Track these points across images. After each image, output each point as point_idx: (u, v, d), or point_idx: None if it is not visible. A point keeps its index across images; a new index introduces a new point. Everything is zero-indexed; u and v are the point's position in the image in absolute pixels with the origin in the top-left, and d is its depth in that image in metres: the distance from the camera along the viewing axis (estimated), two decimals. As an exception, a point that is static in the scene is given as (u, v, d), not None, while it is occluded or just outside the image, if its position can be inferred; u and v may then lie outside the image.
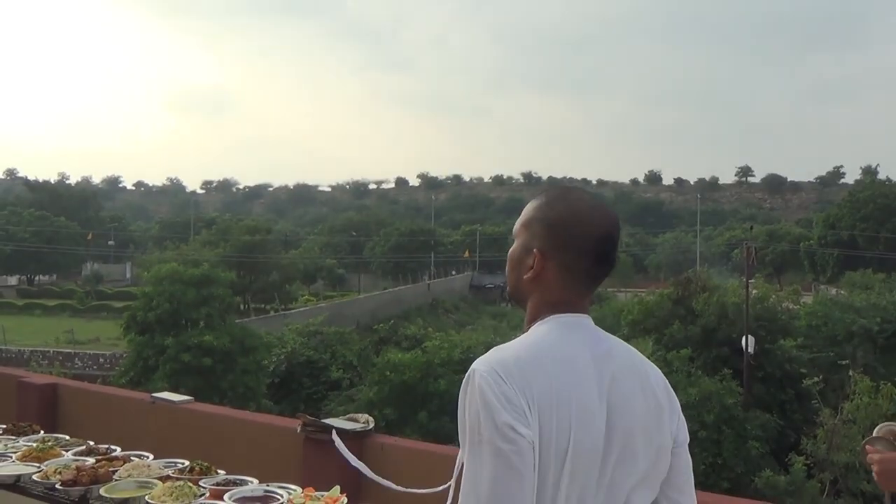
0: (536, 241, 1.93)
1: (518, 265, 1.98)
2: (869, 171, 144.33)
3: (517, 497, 1.69)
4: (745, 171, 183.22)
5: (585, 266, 1.92)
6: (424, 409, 23.70)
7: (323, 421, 4.56)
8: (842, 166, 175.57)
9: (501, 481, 1.69)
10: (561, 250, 1.90)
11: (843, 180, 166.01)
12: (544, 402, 1.74)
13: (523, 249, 1.97)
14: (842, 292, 42.60)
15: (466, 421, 1.77)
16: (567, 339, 1.86)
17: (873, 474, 2.60)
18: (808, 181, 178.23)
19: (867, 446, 2.65)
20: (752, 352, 26.45)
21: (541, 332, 1.88)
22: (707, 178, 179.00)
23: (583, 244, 1.90)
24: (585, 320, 1.92)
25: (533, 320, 1.93)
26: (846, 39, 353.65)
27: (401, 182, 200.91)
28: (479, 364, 1.79)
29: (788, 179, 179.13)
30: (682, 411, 1.99)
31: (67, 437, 4.41)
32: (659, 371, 1.98)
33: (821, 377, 25.11)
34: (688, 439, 1.99)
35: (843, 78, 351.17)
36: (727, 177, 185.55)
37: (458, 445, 1.89)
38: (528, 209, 2.01)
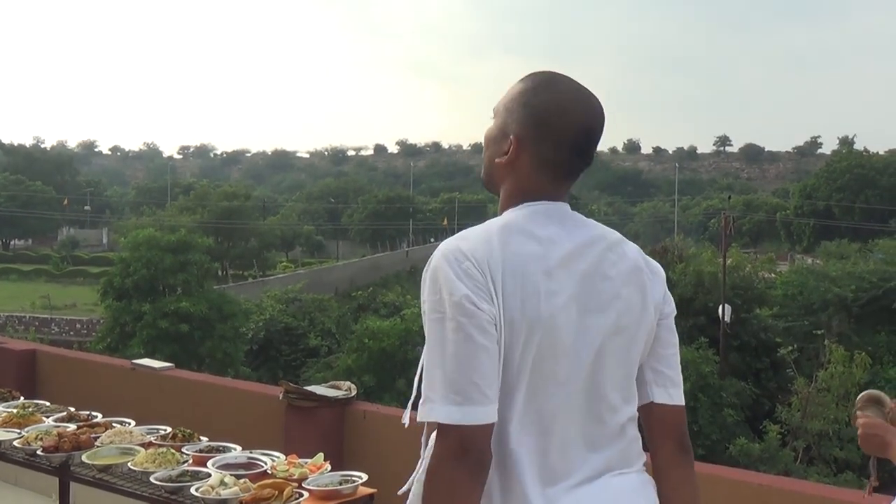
0: (514, 125, 1.85)
1: (492, 147, 1.91)
2: (846, 142, 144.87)
3: (481, 370, 1.65)
4: (723, 141, 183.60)
5: (561, 157, 1.84)
6: (403, 376, 23.76)
7: (305, 388, 4.57)
8: (819, 136, 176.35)
9: (463, 356, 1.65)
10: (538, 140, 1.83)
11: (820, 150, 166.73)
12: (508, 276, 1.69)
13: (500, 132, 1.89)
14: (818, 262, 42.93)
15: (427, 300, 1.75)
16: (540, 221, 1.80)
17: (858, 437, 2.64)
18: (786, 151, 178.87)
19: (858, 411, 2.68)
20: (728, 321, 26.66)
21: (512, 215, 1.82)
22: (685, 148, 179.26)
23: (561, 136, 1.83)
24: (563, 207, 1.86)
25: (505, 208, 1.86)
26: (822, 8, 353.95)
27: (379, 149, 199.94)
28: (442, 244, 1.77)
29: (766, 149, 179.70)
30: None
31: (48, 404, 4.39)
32: (639, 251, 1.91)
33: (796, 346, 25.40)
34: (674, 312, 1.94)
35: (820, 47, 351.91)
36: (705, 146, 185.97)
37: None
38: (511, 90, 1.91)
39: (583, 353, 1.75)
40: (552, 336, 1.71)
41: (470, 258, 1.70)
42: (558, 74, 1.91)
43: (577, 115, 1.84)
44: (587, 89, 1.90)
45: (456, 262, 1.70)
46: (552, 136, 1.82)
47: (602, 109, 1.89)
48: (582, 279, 1.76)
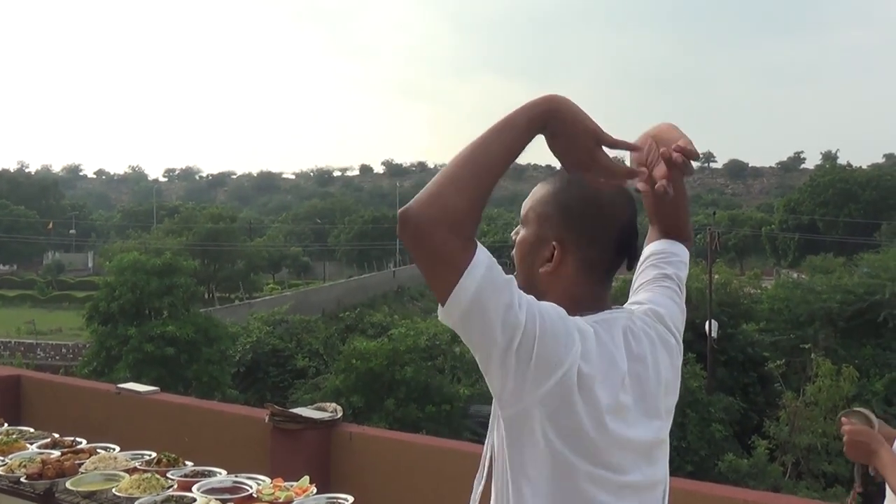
0: (554, 231, 1.78)
1: (530, 256, 1.82)
2: (829, 157, 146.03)
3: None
4: (708, 157, 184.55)
5: (607, 257, 1.79)
6: (391, 396, 23.68)
7: (291, 410, 4.56)
8: (802, 152, 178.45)
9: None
10: (581, 243, 1.77)
11: (803, 165, 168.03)
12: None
13: (537, 239, 1.81)
14: (803, 276, 43.09)
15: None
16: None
17: (844, 444, 2.66)
18: (770, 166, 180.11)
19: (843, 418, 2.70)
20: (715, 336, 26.74)
21: None
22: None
23: (605, 235, 1.77)
24: (618, 314, 1.78)
25: None
26: (803, 24, 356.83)
27: (365, 169, 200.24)
28: None
29: (750, 165, 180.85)
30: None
31: (32, 430, 4.36)
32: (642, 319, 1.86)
33: (783, 360, 25.47)
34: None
35: (802, 63, 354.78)
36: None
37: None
38: (541, 193, 1.85)
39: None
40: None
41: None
42: None
43: (617, 210, 1.79)
44: (620, 185, 1.82)
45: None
46: (595, 236, 1.77)
47: (634, 201, 1.84)
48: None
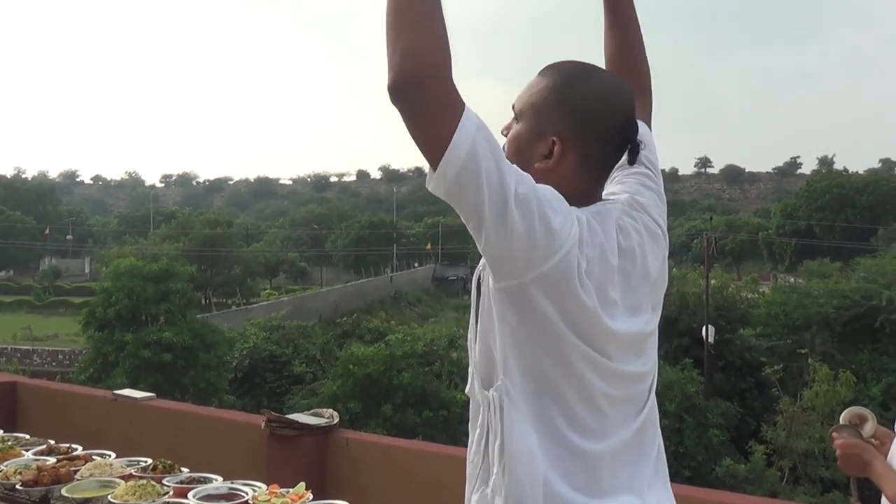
0: (553, 125, 1.72)
1: (525, 151, 1.75)
2: (825, 162, 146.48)
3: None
4: (704, 162, 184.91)
5: (608, 154, 1.75)
6: (389, 401, 23.66)
7: (287, 416, 4.55)
8: (799, 157, 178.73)
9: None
10: (583, 139, 1.71)
11: (800, 171, 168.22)
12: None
13: (533, 134, 1.74)
14: (800, 281, 43.12)
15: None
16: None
17: (837, 459, 2.66)
18: (766, 172, 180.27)
19: (833, 433, 2.70)
20: (712, 341, 26.73)
21: None
22: (666, 170, 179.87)
23: (608, 131, 1.72)
24: (611, 206, 1.76)
25: None
26: (800, 29, 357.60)
27: (362, 174, 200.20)
28: None
29: (746, 170, 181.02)
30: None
31: (27, 437, 4.35)
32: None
33: (780, 365, 25.46)
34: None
35: (798, 68, 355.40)
36: (686, 168, 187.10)
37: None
38: (536, 86, 1.77)
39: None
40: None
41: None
42: (588, 65, 1.79)
43: (619, 107, 1.74)
44: (616, 77, 1.82)
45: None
46: (597, 133, 1.72)
47: (633, 94, 1.81)
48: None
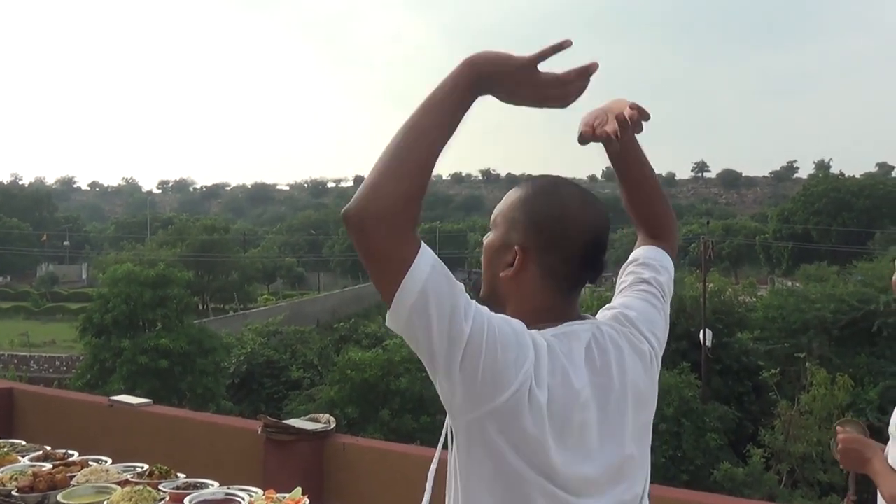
0: (517, 236, 1.74)
1: (495, 260, 1.78)
2: (822, 166, 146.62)
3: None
4: (701, 167, 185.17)
5: (570, 270, 1.74)
6: (386, 407, 23.66)
7: (284, 422, 4.55)
8: (795, 161, 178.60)
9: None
10: (544, 251, 1.72)
11: (796, 175, 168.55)
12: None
13: (501, 243, 1.77)
14: (797, 285, 43.15)
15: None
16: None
17: (838, 453, 2.65)
18: (763, 176, 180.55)
19: (837, 427, 2.70)
20: (709, 345, 26.76)
21: None
22: (664, 174, 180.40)
23: (569, 247, 1.72)
24: (581, 327, 1.74)
25: None
26: (794, 34, 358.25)
27: (359, 180, 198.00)
28: None
29: (743, 174, 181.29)
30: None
31: (24, 443, 4.34)
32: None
33: (777, 369, 25.47)
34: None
35: (795, 73, 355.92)
36: (683, 172, 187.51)
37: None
38: (510, 199, 1.80)
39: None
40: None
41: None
42: (561, 179, 1.82)
43: (585, 225, 1.74)
44: (591, 195, 1.82)
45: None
46: (559, 247, 1.72)
47: (606, 215, 1.80)
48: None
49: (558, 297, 1.76)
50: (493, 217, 1.84)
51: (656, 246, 2.06)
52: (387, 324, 1.61)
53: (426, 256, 1.54)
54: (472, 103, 1.63)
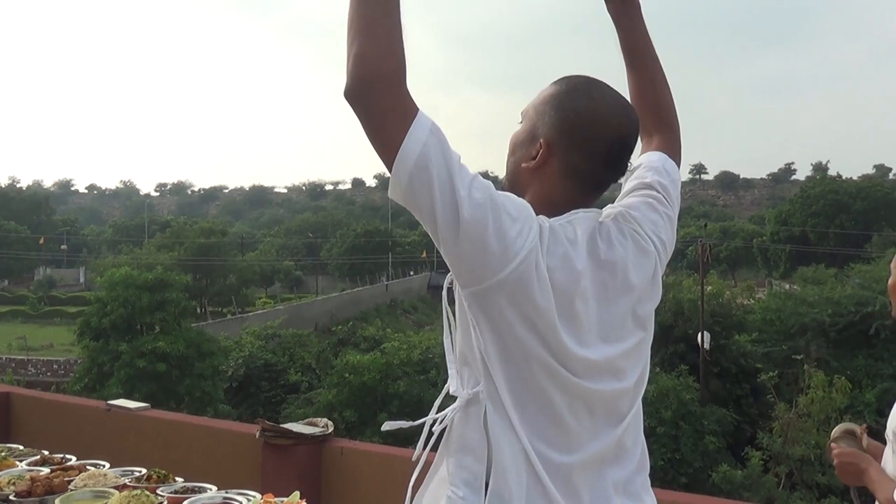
0: (545, 129, 1.76)
1: (519, 150, 1.81)
2: (819, 168, 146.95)
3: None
4: (699, 169, 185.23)
5: (593, 168, 1.75)
6: (384, 410, 23.64)
7: (282, 425, 4.54)
8: (793, 163, 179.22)
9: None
10: (570, 148, 1.73)
11: (794, 177, 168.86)
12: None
13: (528, 136, 1.79)
14: (795, 287, 43.18)
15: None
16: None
17: (835, 469, 2.67)
18: (760, 178, 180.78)
19: (832, 444, 2.71)
20: (707, 348, 26.75)
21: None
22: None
23: (594, 146, 1.73)
24: (585, 214, 1.75)
25: None
26: (792, 38, 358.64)
27: (357, 183, 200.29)
28: None
29: (741, 177, 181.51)
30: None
31: (21, 447, 4.33)
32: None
33: (775, 372, 25.48)
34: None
35: (792, 75, 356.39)
36: (681, 174, 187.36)
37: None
38: (543, 92, 1.81)
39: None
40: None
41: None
42: (595, 80, 1.82)
43: (613, 124, 1.74)
44: (624, 98, 1.83)
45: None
46: (585, 145, 1.73)
47: (638, 120, 1.82)
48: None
49: (578, 195, 1.77)
50: (524, 109, 1.85)
51: (660, 151, 2.05)
52: (388, 194, 1.63)
53: (423, 118, 1.57)
54: None
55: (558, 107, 1.76)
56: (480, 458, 1.67)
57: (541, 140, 1.75)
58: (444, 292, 1.77)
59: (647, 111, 2.05)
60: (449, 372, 1.81)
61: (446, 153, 1.57)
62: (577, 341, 1.65)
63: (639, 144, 1.97)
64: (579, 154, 1.74)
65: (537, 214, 1.67)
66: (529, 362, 1.63)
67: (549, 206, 1.72)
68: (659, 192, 1.95)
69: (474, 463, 1.68)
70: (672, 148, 2.09)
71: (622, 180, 1.96)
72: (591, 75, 1.83)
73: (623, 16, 2.08)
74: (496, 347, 1.64)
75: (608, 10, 2.09)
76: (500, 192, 1.63)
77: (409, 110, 1.57)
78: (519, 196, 1.71)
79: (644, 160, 2.03)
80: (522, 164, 1.78)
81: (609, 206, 1.92)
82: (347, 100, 1.57)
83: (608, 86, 1.81)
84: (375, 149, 1.60)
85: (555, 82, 1.82)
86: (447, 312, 1.79)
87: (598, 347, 1.69)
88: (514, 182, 1.82)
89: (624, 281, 1.73)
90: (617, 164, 1.77)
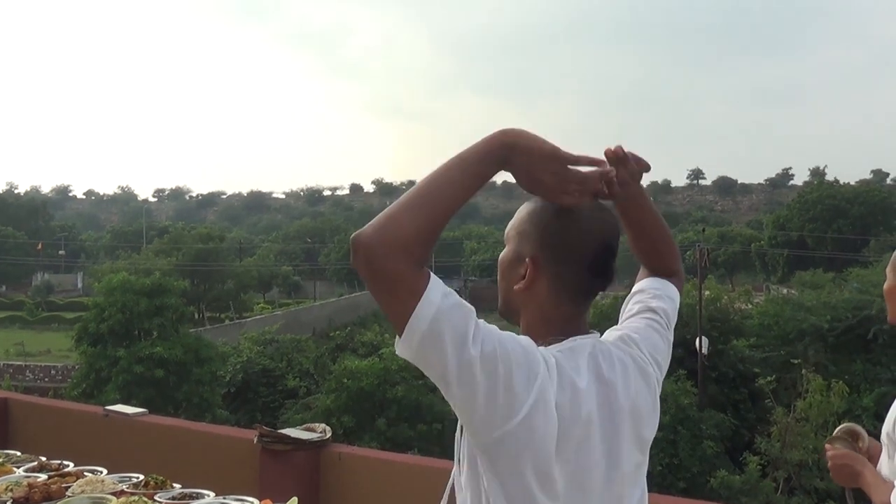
0: (529, 248, 1.78)
1: (508, 274, 1.83)
2: (817, 173, 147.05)
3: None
4: (697, 174, 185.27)
5: (580, 278, 1.77)
6: (382, 415, 23.63)
7: (280, 431, 4.53)
8: (790, 168, 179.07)
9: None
10: (554, 261, 1.75)
11: (791, 182, 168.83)
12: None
13: (515, 256, 1.81)
14: (792, 292, 43.18)
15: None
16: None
17: (829, 470, 2.68)
18: (758, 183, 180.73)
19: (827, 445, 2.72)
20: (705, 352, 26.74)
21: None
22: (659, 182, 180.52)
23: (578, 255, 1.75)
24: (585, 340, 1.77)
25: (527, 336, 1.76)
26: (786, 43, 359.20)
27: (355, 188, 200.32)
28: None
29: (739, 182, 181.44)
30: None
31: (19, 454, 4.33)
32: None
33: (773, 376, 25.45)
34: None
35: (788, 81, 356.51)
36: (679, 180, 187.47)
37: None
38: (521, 212, 1.84)
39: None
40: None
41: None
42: None
43: (594, 231, 1.77)
44: (600, 203, 1.84)
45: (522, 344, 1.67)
46: (570, 257, 1.76)
47: (616, 224, 1.85)
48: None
49: (570, 306, 1.79)
50: (506, 232, 1.88)
51: (663, 278, 2.10)
52: (397, 352, 1.63)
53: (437, 285, 1.58)
54: (496, 171, 1.66)
55: (538, 224, 1.79)
56: None
57: (526, 259, 1.78)
58: (458, 435, 1.78)
59: (651, 261, 2.12)
60: None
61: (460, 317, 1.58)
62: (581, 474, 1.69)
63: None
64: (565, 266, 1.77)
65: (536, 333, 1.74)
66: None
67: (546, 324, 1.76)
68: (661, 316, 2.00)
69: None
70: (677, 285, 2.14)
71: (611, 290, 2.00)
72: None
73: (633, 210, 2.02)
74: (507, 495, 1.66)
75: (614, 204, 2.03)
76: (504, 334, 1.64)
77: (424, 278, 1.57)
78: (514, 318, 1.83)
79: (647, 286, 2.07)
80: (515, 287, 1.80)
81: (611, 328, 1.96)
82: (359, 247, 1.56)
83: None
84: (382, 306, 1.60)
85: (530, 200, 1.84)
86: (458, 455, 1.79)
87: (601, 473, 1.72)
88: (509, 305, 1.84)
89: (626, 401, 1.77)
90: (604, 270, 1.79)
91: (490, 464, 1.65)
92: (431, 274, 1.58)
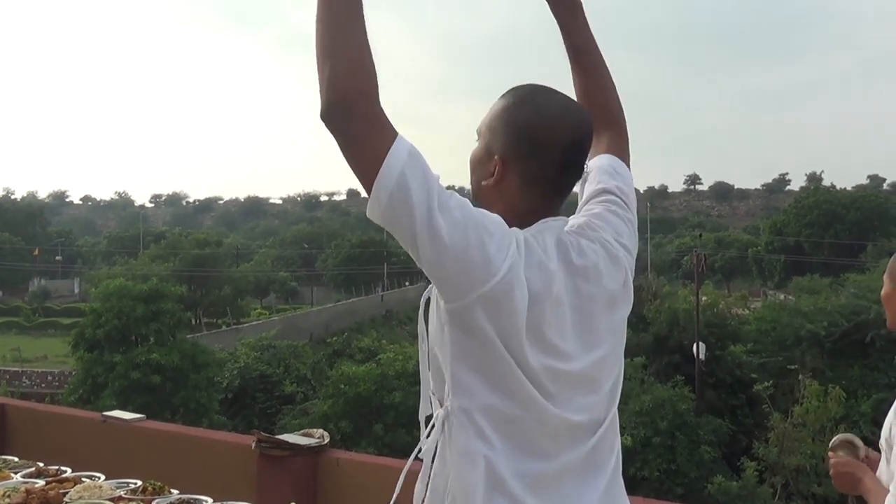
0: (498, 145, 1.77)
1: (478, 169, 1.82)
2: (813, 178, 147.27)
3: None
4: (693, 180, 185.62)
5: (550, 175, 1.76)
6: (380, 421, 23.60)
7: (278, 437, 4.53)
8: (787, 174, 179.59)
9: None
10: (524, 159, 1.74)
11: (788, 187, 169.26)
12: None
13: (484, 153, 1.81)
14: (790, 297, 43.21)
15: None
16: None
17: (831, 478, 2.70)
18: (755, 188, 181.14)
19: (829, 452, 2.74)
20: (703, 358, 26.76)
21: None
22: (656, 187, 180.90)
23: (548, 154, 1.74)
24: (553, 224, 1.77)
25: None
26: (781, 50, 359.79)
27: (352, 193, 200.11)
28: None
29: (736, 187, 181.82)
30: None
31: (16, 459, 4.32)
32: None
33: (771, 382, 25.48)
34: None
35: (785, 87, 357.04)
36: (675, 185, 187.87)
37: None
38: (493, 108, 1.83)
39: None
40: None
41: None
42: (542, 87, 1.83)
43: (563, 129, 1.76)
44: (572, 100, 1.86)
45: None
46: (538, 154, 1.74)
47: (590, 120, 1.83)
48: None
49: (541, 202, 1.79)
50: (477, 127, 1.87)
51: (609, 153, 2.07)
52: (367, 214, 1.65)
53: (403, 140, 1.60)
54: None
55: (508, 121, 1.78)
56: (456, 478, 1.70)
57: (496, 156, 1.77)
58: (421, 309, 1.80)
59: (593, 109, 2.05)
60: (422, 395, 1.85)
61: (426, 173, 1.60)
62: (553, 352, 1.68)
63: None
64: (534, 164, 1.76)
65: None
66: (507, 382, 1.65)
67: (516, 218, 1.74)
68: (618, 196, 1.97)
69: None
70: (620, 147, 2.11)
71: (578, 185, 1.96)
72: (540, 82, 1.86)
73: (564, 13, 2.11)
74: (472, 363, 1.66)
75: (550, 8, 2.11)
76: (476, 208, 1.66)
77: (386, 130, 1.61)
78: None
79: (596, 164, 2.04)
80: (483, 182, 1.81)
81: (573, 215, 1.94)
82: (324, 122, 1.61)
83: (555, 91, 1.84)
84: (353, 169, 1.63)
85: (503, 96, 1.84)
86: (423, 330, 1.80)
87: (573, 357, 1.71)
88: (479, 200, 1.83)
89: (597, 286, 1.76)
90: (573, 168, 1.79)
91: (461, 329, 1.65)
92: (398, 134, 1.61)
